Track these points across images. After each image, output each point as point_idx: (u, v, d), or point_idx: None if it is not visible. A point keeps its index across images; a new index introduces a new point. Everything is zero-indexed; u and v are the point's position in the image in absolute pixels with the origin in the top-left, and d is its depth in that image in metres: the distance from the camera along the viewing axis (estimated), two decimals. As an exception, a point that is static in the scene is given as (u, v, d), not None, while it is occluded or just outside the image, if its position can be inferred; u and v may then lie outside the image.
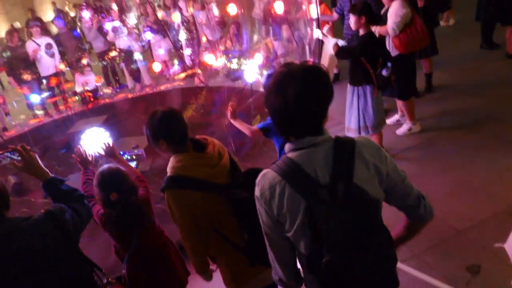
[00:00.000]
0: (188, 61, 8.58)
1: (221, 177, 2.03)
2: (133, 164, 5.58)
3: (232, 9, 8.06)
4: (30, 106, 8.04)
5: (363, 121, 4.34)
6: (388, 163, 1.46)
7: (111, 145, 2.74)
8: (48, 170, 1.94)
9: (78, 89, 7.95)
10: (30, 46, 7.75)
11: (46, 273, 1.62)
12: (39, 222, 1.65)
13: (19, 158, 1.86)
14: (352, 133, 4.50)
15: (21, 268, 1.56)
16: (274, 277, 1.65)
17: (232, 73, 7.55)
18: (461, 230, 3.40)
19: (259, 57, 5.89)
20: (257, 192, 1.47)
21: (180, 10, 8.41)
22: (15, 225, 1.61)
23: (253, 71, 4.76)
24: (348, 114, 4.48)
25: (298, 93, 1.30)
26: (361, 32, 4.09)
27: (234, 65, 7.17)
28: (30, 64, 7.81)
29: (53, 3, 12.48)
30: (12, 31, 8.16)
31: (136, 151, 5.74)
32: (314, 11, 5.98)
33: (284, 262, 1.57)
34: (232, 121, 3.17)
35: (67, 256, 1.70)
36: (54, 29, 10.40)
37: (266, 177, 1.45)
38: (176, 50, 8.50)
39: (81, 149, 2.59)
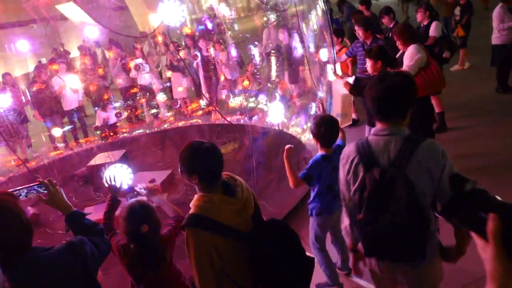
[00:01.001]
0: (205, 100, 8.80)
1: (244, 225, 2.03)
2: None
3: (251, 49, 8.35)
4: (51, 139, 8.28)
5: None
6: (444, 171, 1.91)
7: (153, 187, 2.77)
8: (71, 204, 2.00)
9: (99, 124, 8.18)
10: (56, 82, 8.08)
11: None
12: (60, 253, 1.69)
13: (45, 191, 1.94)
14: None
15: None
16: (341, 226, 2.33)
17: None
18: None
19: (277, 98, 6.05)
20: (341, 156, 2.18)
21: (200, 50, 8.72)
22: (37, 255, 1.66)
23: (279, 112, 4.86)
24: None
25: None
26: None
27: (251, 103, 7.32)
28: (54, 98, 8.12)
29: (84, 41, 13.04)
30: (39, 67, 8.55)
31: (152, 185, 5.81)
32: (324, 54, 6.18)
33: (349, 212, 2.20)
34: (285, 160, 3.17)
35: (83, 286, 1.73)
36: (78, 65, 10.88)
37: (349, 148, 2.14)
38: (195, 87, 8.76)
39: (111, 177, 2.64)
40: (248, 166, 5.17)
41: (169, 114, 9.14)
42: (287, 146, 3.20)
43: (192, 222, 1.96)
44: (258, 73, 8.07)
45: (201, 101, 9.02)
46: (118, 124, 8.49)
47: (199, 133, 7.71)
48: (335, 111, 5.55)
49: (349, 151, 2.13)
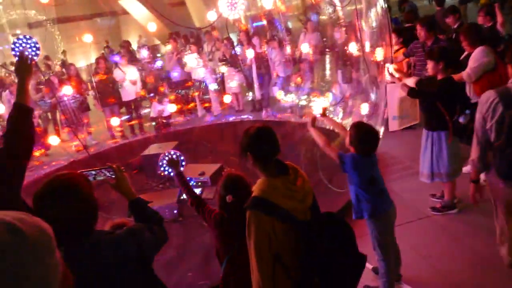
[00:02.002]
0: (257, 95, 8.85)
1: (303, 213, 2.07)
2: (198, 190, 5.77)
3: (305, 47, 8.29)
4: (109, 128, 8.68)
5: (436, 167, 4.17)
6: None
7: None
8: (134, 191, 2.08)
9: (154, 115, 8.47)
10: (117, 74, 8.46)
11: (119, 285, 1.71)
12: (121, 238, 1.75)
13: (113, 175, 2.02)
14: (424, 179, 4.35)
15: (100, 278, 1.66)
16: (469, 160, 3.03)
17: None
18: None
19: (329, 96, 5.96)
20: (480, 99, 2.87)
21: (254, 47, 8.77)
22: (99, 238, 1.73)
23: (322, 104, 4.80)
24: (421, 159, 4.35)
25: None
26: (439, 77, 4.00)
27: (303, 101, 7.27)
28: (114, 89, 8.51)
29: (140, 36, 13.59)
30: (100, 59, 8.98)
31: (201, 178, 5.92)
32: (380, 54, 5.98)
33: (480, 146, 2.89)
34: (310, 129, 3.26)
35: (139, 273, 1.79)
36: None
37: (488, 93, 2.81)
38: (247, 83, 8.82)
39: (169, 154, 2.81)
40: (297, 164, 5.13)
41: (220, 108, 9.29)
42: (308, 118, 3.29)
43: (255, 205, 2.01)
44: (311, 71, 8.01)
45: (249, 94, 9.06)
46: (171, 116, 8.74)
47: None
48: (391, 113, 5.36)
49: (488, 95, 2.78)
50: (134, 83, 8.49)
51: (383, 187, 3.22)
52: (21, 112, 2.26)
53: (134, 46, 14.25)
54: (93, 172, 2.01)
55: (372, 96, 6.31)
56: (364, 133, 3.03)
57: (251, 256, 2.06)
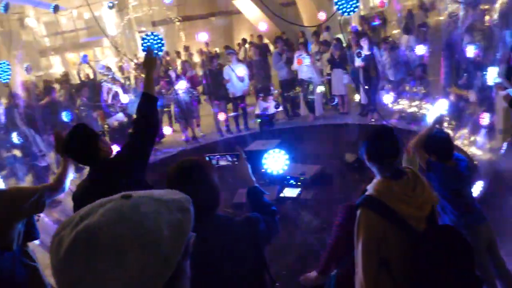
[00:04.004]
0: (363, 99, 8.56)
1: (418, 222, 1.98)
2: (296, 190, 5.78)
3: (420, 49, 7.80)
4: (216, 122, 9.14)
5: None
6: None
7: None
8: (255, 179, 2.13)
9: (258, 112, 8.70)
10: (226, 71, 8.86)
11: (233, 270, 1.77)
12: (239, 224, 1.83)
13: (235, 161, 2.11)
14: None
15: (217, 258, 1.74)
16: None
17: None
18: None
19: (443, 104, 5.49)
20: None
21: (361, 48, 8.49)
22: (220, 220, 1.81)
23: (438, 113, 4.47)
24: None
25: None
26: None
27: (413, 108, 6.84)
28: (223, 85, 8.93)
29: (251, 35, 14.06)
30: (213, 57, 9.49)
31: (301, 178, 5.92)
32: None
33: None
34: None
35: (251, 260, 1.84)
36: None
37: None
38: (355, 85, 8.59)
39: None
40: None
41: (324, 110, 9.19)
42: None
43: (368, 203, 1.98)
44: (425, 76, 7.50)
45: (356, 96, 8.80)
46: (275, 115, 8.89)
47: (354, 133, 7.55)
48: (497, 126, 4.79)
49: None
50: (241, 80, 8.79)
51: (471, 201, 3.03)
52: (148, 101, 2.53)
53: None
54: (218, 157, 2.12)
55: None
56: (433, 138, 2.96)
57: (357, 256, 2.02)
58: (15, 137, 6.09)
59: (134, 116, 2.83)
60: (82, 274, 0.73)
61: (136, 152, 2.47)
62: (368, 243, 1.95)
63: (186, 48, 13.35)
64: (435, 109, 4.86)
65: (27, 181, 6.45)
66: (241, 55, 12.17)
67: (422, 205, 2.01)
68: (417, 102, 6.89)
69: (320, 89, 9.01)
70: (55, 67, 18.52)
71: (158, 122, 2.59)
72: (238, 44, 13.15)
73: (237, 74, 8.66)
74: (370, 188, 2.04)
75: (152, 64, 2.68)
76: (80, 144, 2.42)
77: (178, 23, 13.02)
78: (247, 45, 12.71)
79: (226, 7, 14.52)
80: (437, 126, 3.32)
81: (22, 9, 12.52)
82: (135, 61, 10.55)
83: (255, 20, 13.16)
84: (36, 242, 2.98)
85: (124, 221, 0.76)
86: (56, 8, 6.55)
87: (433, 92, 7.18)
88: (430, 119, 4.49)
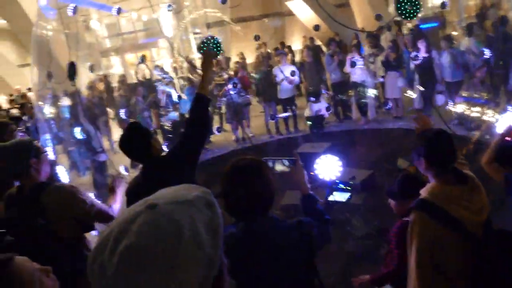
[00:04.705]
0: (416, 103, 8.26)
1: (475, 227, 1.92)
2: (346, 195, 5.67)
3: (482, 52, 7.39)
4: (266, 123, 9.19)
5: None
6: None
7: None
8: (310, 186, 2.12)
9: (309, 114, 8.64)
10: (276, 73, 8.88)
11: (282, 273, 1.78)
12: (291, 227, 1.83)
13: (290, 166, 2.10)
14: None
15: (268, 263, 1.76)
16: None
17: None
18: None
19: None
20: None
21: (418, 50, 8.18)
22: (272, 221, 1.83)
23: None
24: None
25: None
26: None
27: (474, 113, 6.49)
28: (273, 87, 8.96)
29: (304, 37, 13.99)
30: (265, 58, 9.55)
31: (351, 182, 5.80)
32: None
33: None
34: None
35: (302, 264, 1.84)
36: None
37: None
38: (410, 88, 8.31)
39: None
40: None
41: (377, 114, 8.96)
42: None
43: (422, 206, 1.93)
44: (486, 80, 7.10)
45: (412, 96, 8.49)
46: (326, 117, 8.79)
47: (407, 138, 7.30)
48: None
49: None
50: (291, 82, 8.77)
51: None
52: (201, 102, 2.60)
53: (297, 46, 14.76)
54: (273, 161, 2.12)
55: None
56: (508, 149, 2.74)
57: (410, 261, 1.97)
58: (78, 133, 6.47)
59: (187, 115, 2.90)
60: None
61: (187, 151, 2.54)
62: (422, 247, 1.90)
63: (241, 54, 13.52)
64: (506, 118, 4.56)
65: (88, 174, 6.83)
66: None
67: (480, 210, 1.95)
68: (478, 108, 6.52)
69: (373, 92, 8.79)
70: (115, 67, 19.44)
71: (210, 123, 2.65)
72: (288, 46, 13.11)
73: (286, 76, 8.66)
74: (424, 192, 1.98)
75: (209, 66, 2.74)
76: (133, 141, 2.50)
77: (231, 25, 13.21)
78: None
79: (279, 8, 14.54)
80: (507, 137, 3.10)
81: (87, 12, 13.27)
82: (188, 62, 10.83)
83: (308, 21, 13.08)
84: (93, 232, 3.13)
85: (162, 234, 0.74)
86: (119, 11, 6.88)
87: (499, 98, 6.78)
88: (500, 128, 4.23)
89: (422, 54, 7.89)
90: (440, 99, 7.83)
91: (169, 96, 8.93)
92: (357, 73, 8.64)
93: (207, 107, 2.65)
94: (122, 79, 10.80)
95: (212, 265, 0.77)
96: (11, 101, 11.41)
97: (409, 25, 10.29)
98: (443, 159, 1.98)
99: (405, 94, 8.48)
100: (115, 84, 11.37)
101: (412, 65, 8.22)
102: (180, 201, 0.80)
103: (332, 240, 2.07)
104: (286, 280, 1.78)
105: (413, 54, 7.86)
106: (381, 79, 8.86)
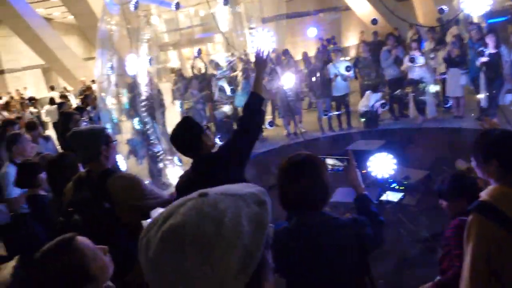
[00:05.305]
0: (483, 102, 7.79)
1: None
2: (399, 195, 5.49)
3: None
4: (319, 118, 9.10)
5: None
6: None
7: None
8: (364, 186, 2.10)
9: (363, 110, 8.44)
10: (330, 69, 8.74)
11: (333, 269, 1.77)
12: (345, 225, 1.82)
13: (344, 164, 2.09)
14: None
15: (323, 257, 1.76)
16: None
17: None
18: None
19: None
20: None
21: (486, 45, 7.69)
22: (324, 218, 1.83)
23: None
24: None
25: None
26: None
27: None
28: (327, 83, 8.83)
29: (361, 32, 13.66)
30: (318, 53, 9.43)
31: (405, 182, 5.60)
32: None
33: None
34: None
35: (354, 262, 1.82)
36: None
37: None
38: (474, 87, 7.86)
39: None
40: None
41: (436, 112, 8.56)
42: None
43: (482, 209, 1.84)
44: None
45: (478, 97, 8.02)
46: (381, 114, 8.55)
47: (468, 138, 6.93)
48: None
49: None
50: (345, 79, 8.60)
51: None
52: (255, 100, 2.61)
53: (352, 42, 14.44)
54: (327, 158, 2.12)
55: None
56: None
57: (464, 264, 1.87)
58: (136, 123, 6.78)
59: (240, 109, 2.92)
60: (171, 272, 0.76)
61: (238, 149, 2.55)
62: (478, 251, 1.80)
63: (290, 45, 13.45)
64: None
65: (144, 163, 7.14)
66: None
67: None
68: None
69: (433, 89, 8.40)
70: (172, 61, 20.08)
71: (262, 122, 2.65)
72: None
73: (340, 72, 8.50)
74: (486, 195, 1.88)
75: (262, 64, 2.74)
76: (184, 137, 2.52)
77: (286, 19, 13.17)
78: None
79: (336, 3, 14.29)
80: None
81: (147, 8, 13.78)
82: (243, 57, 10.94)
83: (365, 16, 12.74)
84: (150, 220, 3.26)
85: (204, 218, 0.78)
86: (178, 6, 7.09)
87: None
88: None
89: (490, 50, 7.41)
90: (508, 98, 7.34)
91: (223, 90, 9.08)
92: (416, 70, 8.30)
93: (260, 106, 2.64)
94: (179, 73, 11.12)
95: (250, 258, 0.78)
96: (61, 97, 12.16)
97: (476, 19, 9.69)
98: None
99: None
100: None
101: (478, 62, 7.76)
102: (230, 194, 0.84)
103: (384, 242, 2.02)
104: (337, 275, 1.77)
105: (480, 49, 7.41)
106: (442, 76, 8.45)
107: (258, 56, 2.76)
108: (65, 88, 17.85)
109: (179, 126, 2.57)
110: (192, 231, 0.77)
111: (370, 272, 1.92)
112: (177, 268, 0.76)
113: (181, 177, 2.70)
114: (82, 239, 1.54)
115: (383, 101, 8.47)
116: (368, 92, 8.50)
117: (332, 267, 1.75)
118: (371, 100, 8.33)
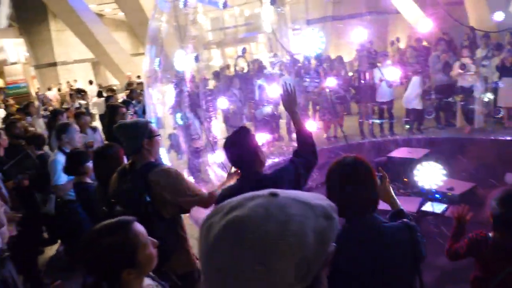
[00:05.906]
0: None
1: None
2: (442, 206, 5.28)
3: None
4: (360, 124, 8.93)
5: None
6: None
7: None
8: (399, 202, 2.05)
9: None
10: (376, 73, 8.54)
11: (385, 275, 1.73)
12: (398, 229, 1.78)
13: (380, 180, 2.04)
14: None
15: (372, 255, 1.72)
16: None
17: None
18: None
19: None
20: None
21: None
22: (378, 225, 1.79)
23: None
24: None
25: None
26: None
27: None
28: (371, 87, 8.63)
29: (408, 37, 13.28)
30: (363, 56, 9.25)
31: (449, 193, 5.40)
32: None
33: None
34: None
35: (406, 268, 1.78)
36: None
37: None
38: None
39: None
40: None
41: (485, 123, 8.18)
42: None
43: None
44: None
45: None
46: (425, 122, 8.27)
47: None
48: None
49: None
50: (390, 85, 8.33)
51: None
52: (303, 136, 2.51)
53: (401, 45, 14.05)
54: None
55: None
56: None
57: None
58: (179, 118, 6.91)
59: (280, 106, 2.83)
60: (227, 262, 0.75)
61: (298, 175, 2.38)
62: None
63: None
64: None
65: (185, 158, 7.28)
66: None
67: None
68: None
69: (484, 98, 8.02)
70: (215, 59, 20.36)
71: (316, 153, 2.53)
72: (391, 42, 12.49)
73: (386, 78, 8.26)
74: None
75: (291, 103, 2.53)
76: (238, 147, 2.33)
77: (331, 21, 13.01)
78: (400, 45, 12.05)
79: (384, 6, 13.95)
80: None
81: (195, 5, 14.04)
82: (287, 58, 10.91)
83: (414, 20, 12.35)
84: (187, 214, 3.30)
85: (270, 218, 0.76)
86: (225, 5, 7.18)
87: None
88: None
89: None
90: None
91: (263, 90, 9.07)
92: (466, 77, 7.95)
93: (310, 139, 2.49)
94: (217, 72, 11.23)
95: (308, 271, 0.76)
96: (108, 90, 12.49)
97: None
98: None
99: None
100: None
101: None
102: (300, 200, 0.82)
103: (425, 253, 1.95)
104: (389, 279, 1.73)
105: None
106: (495, 84, 8.05)
107: (284, 95, 2.55)
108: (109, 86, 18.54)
109: (234, 135, 2.39)
110: (255, 228, 0.75)
111: (422, 282, 1.84)
112: (231, 260, 0.75)
113: (225, 191, 2.48)
114: (139, 226, 1.62)
115: (428, 109, 8.20)
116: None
117: (382, 272, 1.72)
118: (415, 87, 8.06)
